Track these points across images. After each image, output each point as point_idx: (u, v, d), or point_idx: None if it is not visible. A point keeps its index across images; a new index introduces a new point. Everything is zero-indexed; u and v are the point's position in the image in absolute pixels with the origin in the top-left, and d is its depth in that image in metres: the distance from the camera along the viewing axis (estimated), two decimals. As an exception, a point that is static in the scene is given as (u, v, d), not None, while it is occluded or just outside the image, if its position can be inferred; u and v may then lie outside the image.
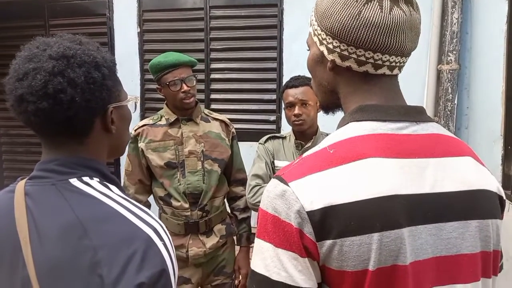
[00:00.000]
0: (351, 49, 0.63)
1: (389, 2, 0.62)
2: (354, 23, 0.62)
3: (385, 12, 0.61)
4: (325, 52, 0.67)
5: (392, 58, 0.64)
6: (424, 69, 2.63)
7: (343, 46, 0.64)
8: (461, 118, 2.60)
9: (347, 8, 0.62)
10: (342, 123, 0.67)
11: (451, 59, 2.50)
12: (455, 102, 2.54)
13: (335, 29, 0.63)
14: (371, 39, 0.62)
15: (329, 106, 0.75)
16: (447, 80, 2.52)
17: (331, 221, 0.55)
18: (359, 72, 0.65)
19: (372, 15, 0.61)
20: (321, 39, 0.67)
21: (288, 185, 0.59)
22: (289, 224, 0.57)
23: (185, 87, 1.65)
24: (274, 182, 0.61)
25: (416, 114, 0.66)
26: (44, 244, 0.65)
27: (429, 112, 2.61)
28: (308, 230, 0.56)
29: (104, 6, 3.12)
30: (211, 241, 1.75)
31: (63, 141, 0.73)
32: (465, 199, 0.62)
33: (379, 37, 0.62)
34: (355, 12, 0.62)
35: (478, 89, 2.54)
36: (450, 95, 2.53)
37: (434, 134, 0.65)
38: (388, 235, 0.55)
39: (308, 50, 0.73)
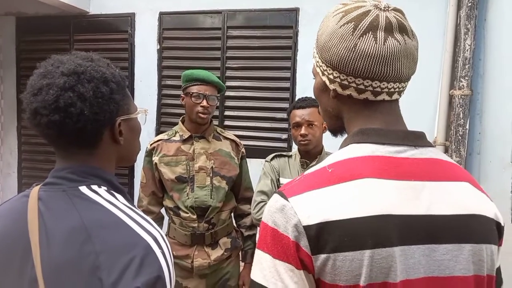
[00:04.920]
0: (350, 78, 0.67)
1: (383, 34, 0.65)
2: (351, 55, 0.66)
3: (379, 43, 0.65)
4: (327, 82, 0.71)
5: (390, 85, 0.67)
6: (436, 94, 2.65)
7: (343, 76, 0.68)
8: (473, 144, 2.60)
9: (343, 42, 0.66)
10: (343, 145, 0.71)
11: (463, 85, 2.52)
12: (467, 127, 2.55)
13: (333, 61, 0.68)
14: (368, 69, 0.65)
15: (336, 129, 0.79)
16: (459, 105, 2.54)
17: (326, 236, 0.58)
18: (359, 99, 0.69)
19: (367, 47, 0.65)
20: (322, 70, 0.71)
21: (287, 200, 0.62)
22: (287, 237, 0.60)
23: (205, 103, 1.75)
24: (275, 197, 0.65)
25: (415, 139, 0.68)
26: (51, 246, 0.68)
27: (441, 136, 2.62)
28: (304, 244, 0.59)
29: (126, 23, 3.25)
30: (216, 253, 1.79)
31: (74, 152, 0.78)
32: (459, 223, 0.63)
33: (375, 66, 0.65)
34: (351, 45, 0.66)
35: (491, 115, 2.55)
36: (462, 120, 2.54)
37: (432, 158, 0.68)
38: (379, 252, 0.58)
39: (313, 78, 0.77)
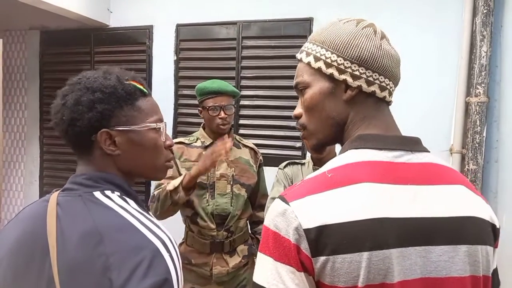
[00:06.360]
0: (375, 75, 0.71)
1: (389, 42, 0.73)
2: (379, 52, 0.71)
3: (392, 48, 0.73)
4: (349, 80, 0.71)
5: (393, 88, 0.74)
6: (451, 101, 2.62)
7: (369, 72, 0.71)
8: (491, 151, 2.55)
9: (370, 40, 0.71)
10: (342, 151, 0.73)
11: (479, 92, 2.49)
12: (484, 134, 2.51)
13: (362, 56, 0.70)
14: (390, 68, 0.71)
15: (328, 142, 0.77)
16: (475, 113, 2.50)
17: (325, 239, 0.60)
18: (371, 100, 0.72)
19: (388, 48, 0.72)
20: (343, 68, 0.71)
21: (289, 204, 0.64)
22: (288, 240, 0.62)
23: (222, 114, 1.77)
24: (277, 201, 0.67)
25: (411, 144, 0.71)
26: (66, 248, 0.72)
27: (457, 144, 2.58)
28: (305, 247, 0.61)
29: (144, 35, 3.34)
30: (234, 261, 1.81)
31: (81, 157, 0.84)
32: (454, 225, 0.65)
33: (394, 67, 0.72)
34: (377, 44, 0.71)
35: (509, 122, 2.50)
36: (479, 128, 2.50)
37: (428, 163, 0.70)
38: (377, 254, 0.60)
39: (302, 88, 0.77)
